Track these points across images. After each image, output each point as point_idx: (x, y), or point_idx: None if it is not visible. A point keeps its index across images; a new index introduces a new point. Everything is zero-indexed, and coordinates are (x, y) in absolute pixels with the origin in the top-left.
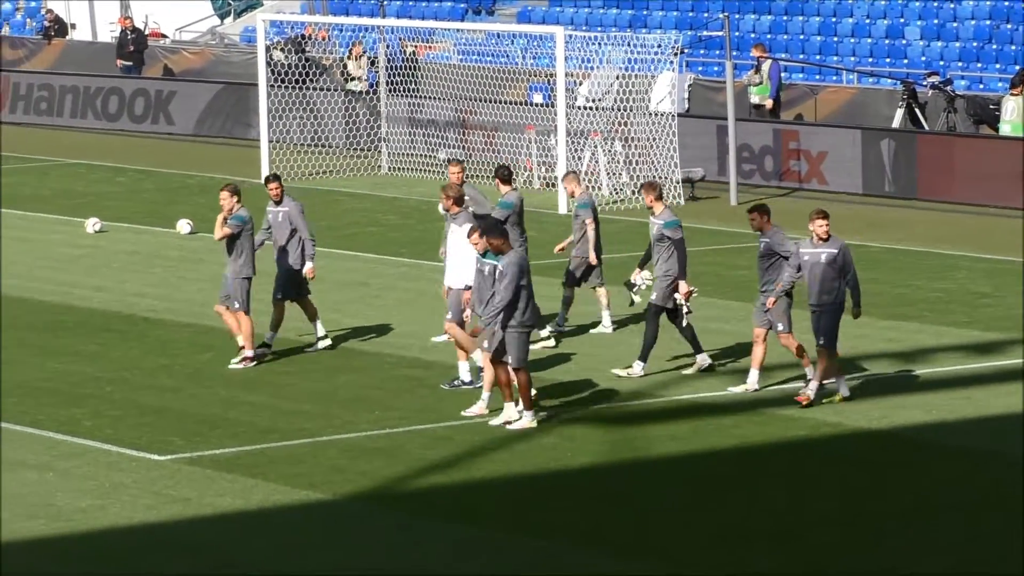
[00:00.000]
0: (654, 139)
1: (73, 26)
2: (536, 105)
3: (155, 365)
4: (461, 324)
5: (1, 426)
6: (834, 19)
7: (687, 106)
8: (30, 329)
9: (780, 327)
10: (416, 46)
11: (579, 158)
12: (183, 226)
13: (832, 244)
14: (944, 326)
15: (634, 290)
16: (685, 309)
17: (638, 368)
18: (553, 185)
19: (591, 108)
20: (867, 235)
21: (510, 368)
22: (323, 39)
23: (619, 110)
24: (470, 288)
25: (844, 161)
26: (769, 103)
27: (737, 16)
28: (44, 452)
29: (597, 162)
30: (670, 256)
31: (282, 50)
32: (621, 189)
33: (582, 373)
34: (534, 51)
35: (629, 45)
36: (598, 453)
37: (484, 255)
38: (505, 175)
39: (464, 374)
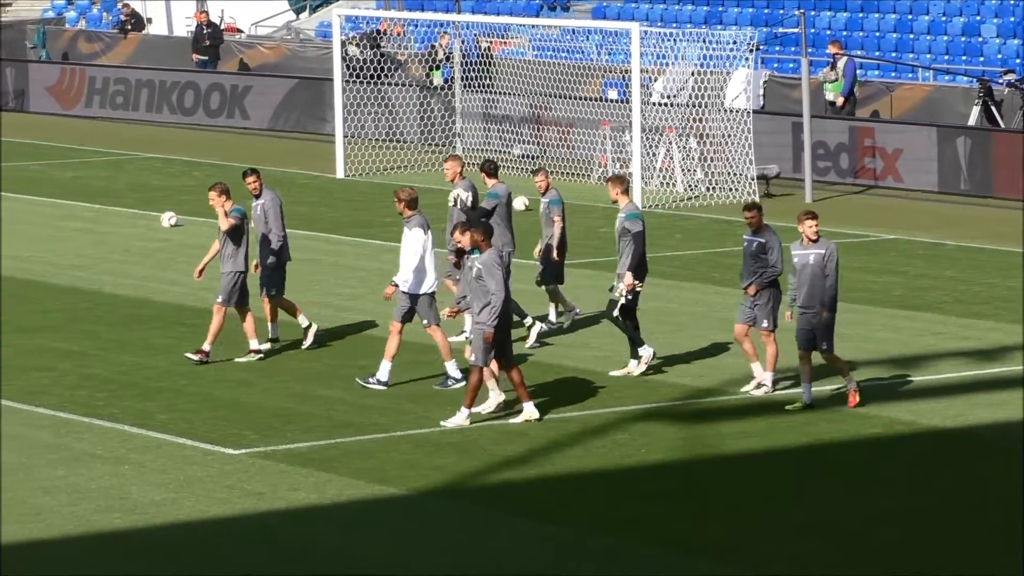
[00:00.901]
0: (729, 136)
1: (149, 20)
2: (611, 101)
3: (229, 359)
4: (408, 321)
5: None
6: (910, 16)
7: (762, 103)
8: (104, 323)
9: (765, 324)
10: (491, 42)
11: (654, 154)
12: (167, 219)
13: (821, 245)
14: (1019, 324)
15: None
16: (620, 298)
17: (634, 365)
18: None
19: (666, 104)
20: (942, 233)
21: (471, 365)
22: (398, 34)
23: (694, 106)
24: (422, 295)
25: (919, 159)
26: (840, 100)
27: (813, 13)
28: (119, 445)
29: (672, 158)
30: (626, 250)
31: (357, 45)
32: (696, 186)
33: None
34: (609, 47)
35: (704, 41)
36: (671, 450)
37: (473, 251)
38: (491, 169)
39: (454, 371)
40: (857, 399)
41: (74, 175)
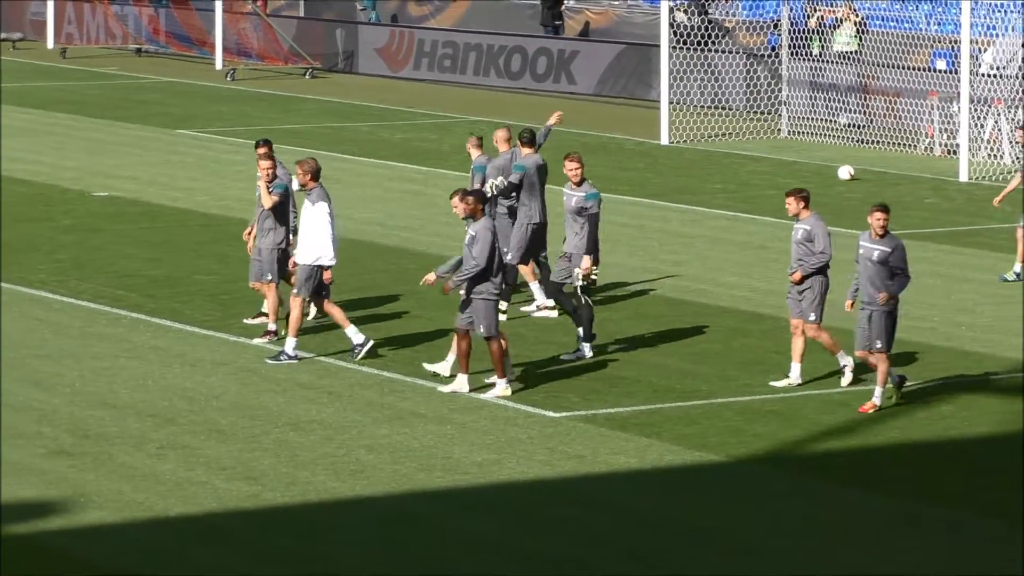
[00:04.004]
0: None
1: None
2: (939, 71)
3: (551, 323)
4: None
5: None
6: None
7: None
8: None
9: (812, 318)
10: (822, 10)
11: (981, 126)
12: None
13: (887, 242)
14: None
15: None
16: (579, 285)
17: (587, 349)
18: (955, 152)
19: (995, 76)
20: None
21: (485, 338)
22: (726, 1)
23: (1023, 79)
24: (325, 268)
25: None
26: None
27: None
28: (442, 406)
29: (1000, 130)
30: (582, 230)
31: (685, 11)
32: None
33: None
34: (939, 17)
35: None
36: (995, 423)
37: (466, 219)
38: (527, 138)
39: (355, 336)
40: (875, 408)
41: (403, 137)
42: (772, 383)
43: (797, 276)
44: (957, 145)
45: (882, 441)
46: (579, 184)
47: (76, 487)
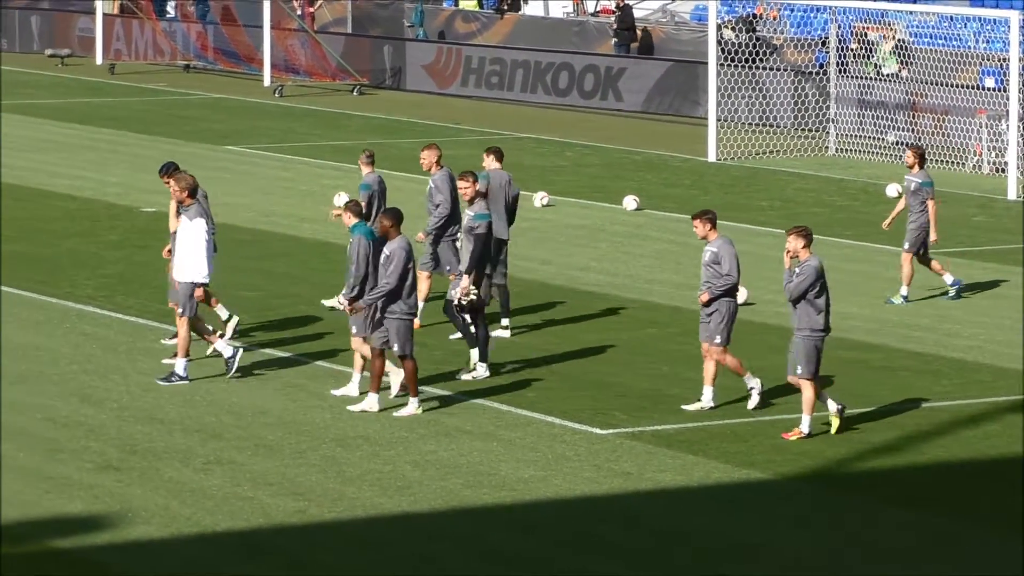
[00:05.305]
0: None
1: (526, 2)
2: (988, 89)
3: (598, 339)
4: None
5: None
6: None
7: None
8: None
9: (717, 340)
10: (867, 27)
11: None
12: (629, 202)
13: (808, 264)
14: None
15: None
16: (456, 302)
17: (482, 370)
18: (1003, 170)
19: None
20: None
21: (398, 357)
22: (774, 19)
23: None
24: (199, 285)
25: None
26: None
27: None
28: (489, 422)
29: None
30: (468, 250)
31: (732, 29)
32: None
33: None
34: (987, 35)
35: None
36: None
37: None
38: (498, 153)
39: (181, 369)
40: (794, 436)
41: (449, 154)
42: (684, 407)
43: (704, 298)
44: (1005, 163)
45: (928, 459)
46: (471, 203)
47: (123, 502)
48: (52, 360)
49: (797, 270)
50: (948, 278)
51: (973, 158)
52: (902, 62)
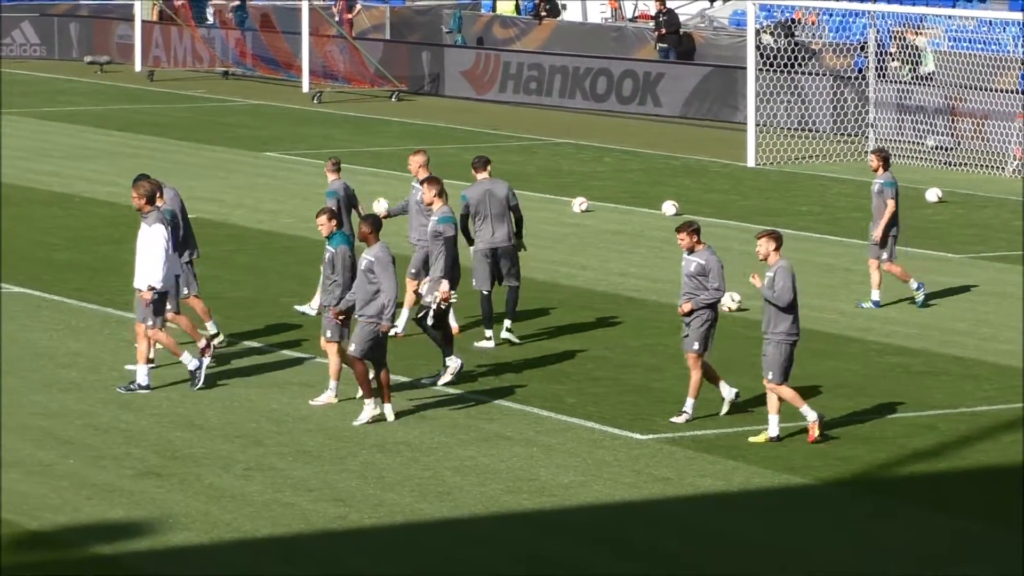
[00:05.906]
0: None
1: (564, 7)
2: None
3: (638, 344)
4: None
5: None
6: None
7: None
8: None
9: (695, 347)
10: (906, 32)
11: None
12: (668, 208)
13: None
14: None
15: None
16: (433, 307)
17: (454, 364)
18: None
19: None
20: None
21: (351, 356)
22: (812, 23)
23: None
24: (153, 289)
25: None
26: None
27: None
28: (528, 428)
29: None
30: (439, 255)
31: (771, 34)
32: None
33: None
34: None
35: None
36: None
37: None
38: (480, 163)
39: (142, 378)
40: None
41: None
42: (672, 419)
43: (686, 308)
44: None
45: (969, 464)
46: (430, 206)
47: (163, 508)
48: (93, 367)
49: (771, 274)
50: (875, 293)
51: (1013, 162)
52: (937, 62)
